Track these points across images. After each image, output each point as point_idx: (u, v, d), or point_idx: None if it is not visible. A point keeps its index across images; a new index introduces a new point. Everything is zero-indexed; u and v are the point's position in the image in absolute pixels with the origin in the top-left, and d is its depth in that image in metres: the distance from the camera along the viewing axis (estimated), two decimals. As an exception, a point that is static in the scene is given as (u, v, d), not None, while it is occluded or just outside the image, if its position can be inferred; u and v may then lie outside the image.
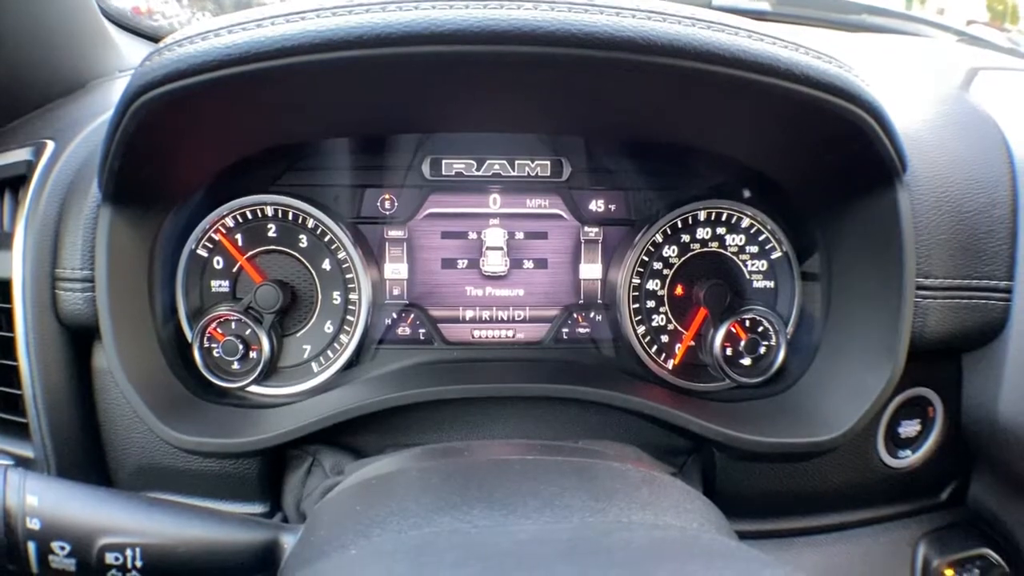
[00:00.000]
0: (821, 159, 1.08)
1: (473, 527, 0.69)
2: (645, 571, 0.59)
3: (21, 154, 1.22)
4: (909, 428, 1.23)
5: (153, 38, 1.74)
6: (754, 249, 1.28)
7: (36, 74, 1.40)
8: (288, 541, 0.80)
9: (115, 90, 1.42)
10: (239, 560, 0.78)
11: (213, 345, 1.22)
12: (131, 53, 1.61)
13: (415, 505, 0.74)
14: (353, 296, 1.25)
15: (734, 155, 1.17)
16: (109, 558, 0.72)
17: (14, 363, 1.11)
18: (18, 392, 1.12)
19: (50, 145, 1.21)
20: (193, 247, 1.22)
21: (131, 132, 0.92)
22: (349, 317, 1.25)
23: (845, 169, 1.06)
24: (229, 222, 1.23)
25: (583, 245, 1.30)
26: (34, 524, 0.71)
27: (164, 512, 0.78)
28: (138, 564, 0.73)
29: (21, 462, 1.15)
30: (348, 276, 1.24)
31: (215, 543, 0.77)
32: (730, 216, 1.27)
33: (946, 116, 1.22)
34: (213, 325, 1.21)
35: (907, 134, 1.02)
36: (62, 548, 0.72)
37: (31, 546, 0.71)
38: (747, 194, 1.27)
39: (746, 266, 1.29)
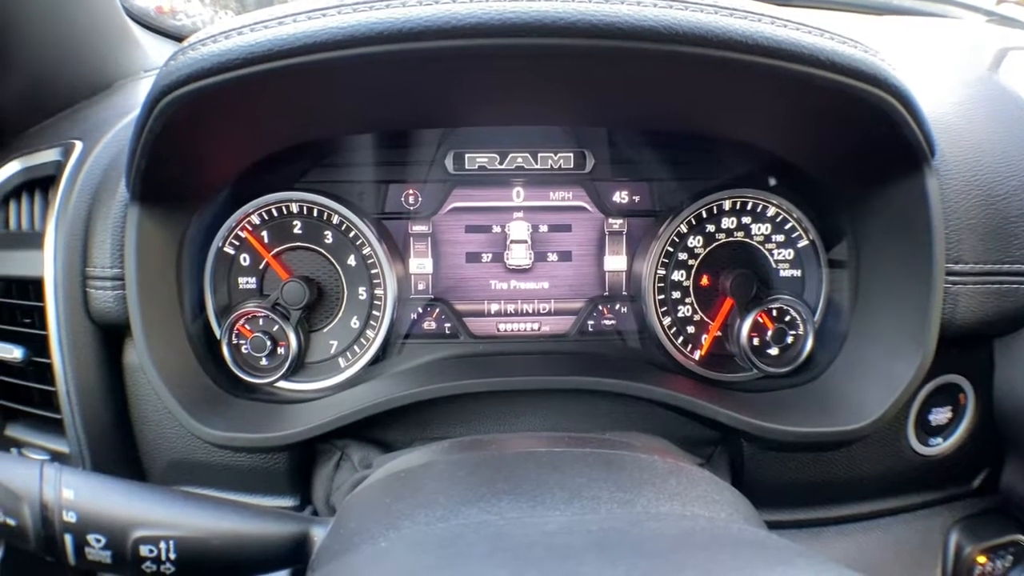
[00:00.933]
0: (848, 145, 1.07)
1: (501, 519, 0.69)
2: (674, 561, 0.59)
3: (50, 155, 1.24)
4: (940, 415, 1.21)
5: (177, 37, 1.75)
6: (780, 238, 1.27)
7: (62, 75, 1.42)
8: (318, 534, 0.81)
9: (141, 90, 1.44)
10: (271, 553, 0.80)
11: (241, 342, 1.23)
12: (155, 53, 1.62)
13: (443, 497, 0.74)
14: (379, 291, 1.25)
15: (759, 143, 1.16)
16: (143, 550, 0.74)
17: (47, 360, 1.14)
18: (52, 389, 1.14)
19: (78, 145, 1.23)
20: (220, 245, 1.24)
21: (157, 132, 0.93)
22: (375, 312, 1.26)
23: (872, 155, 1.05)
24: (255, 219, 1.24)
25: (607, 237, 1.29)
26: (70, 517, 0.73)
27: (197, 505, 0.79)
28: (171, 556, 0.74)
29: (56, 457, 1.18)
30: (373, 272, 1.25)
31: (247, 536, 0.79)
32: (755, 205, 1.26)
33: (975, 99, 1.21)
34: (241, 322, 1.23)
35: (935, 118, 1.01)
36: (98, 540, 0.73)
37: (68, 538, 0.73)
38: (773, 182, 1.26)
39: (772, 255, 1.27)
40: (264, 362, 1.23)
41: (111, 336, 1.16)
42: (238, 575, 0.80)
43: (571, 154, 1.27)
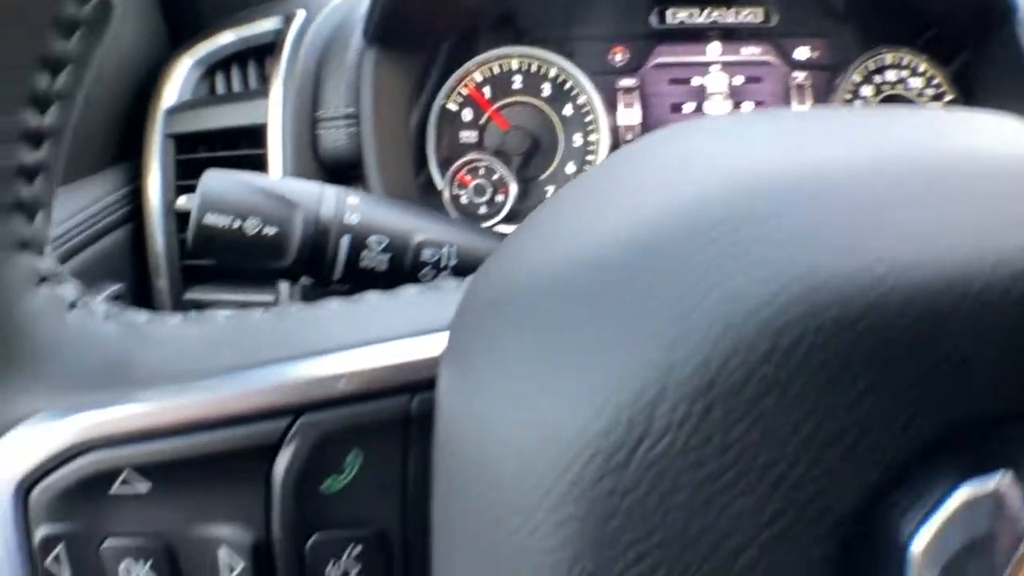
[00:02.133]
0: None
1: None
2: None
3: (268, 24, 1.29)
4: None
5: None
6: (931, 92, 1.43)
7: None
8: None
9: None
10: None
11: (461, 192, 1.31)
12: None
13: None
14: (593, 137, 1.36)
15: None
16: (425, 254, 0.71)
17: None
18: None
19: (300, 13, 1.29)
20: (443, 102, 1.32)
21: None
22: (589, 158, 1.36)
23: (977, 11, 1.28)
24: (477, 76, 1.33)
25: (792, 89, 1.42)
26: (353, 219, 0.69)
27: (473, 226, 0.82)
28: (452, 263, 0.72)
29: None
30: (588, 119, 1.35)
31: None
32: (909, 61, 1.42)
33: None
34: (463, 171, 1.31)
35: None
36: (379, 242, 0.69)
37: (344, 241, 0.68)
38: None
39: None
40: (483, 209, 1.32)
41: (336, 180, 1.22)
42: None
43: (760, 9, 1.40)
